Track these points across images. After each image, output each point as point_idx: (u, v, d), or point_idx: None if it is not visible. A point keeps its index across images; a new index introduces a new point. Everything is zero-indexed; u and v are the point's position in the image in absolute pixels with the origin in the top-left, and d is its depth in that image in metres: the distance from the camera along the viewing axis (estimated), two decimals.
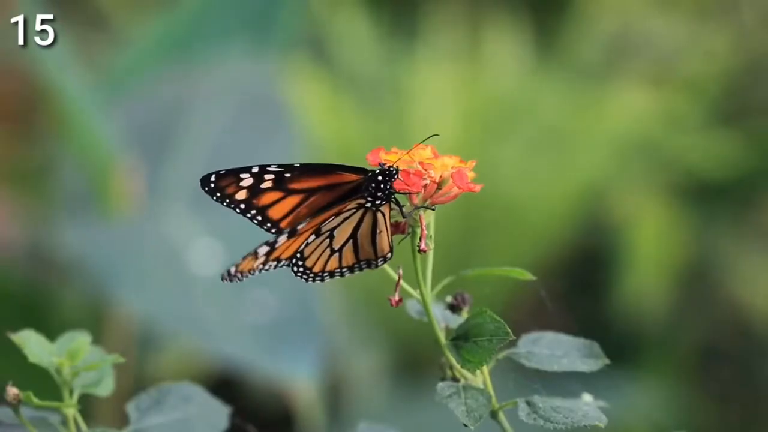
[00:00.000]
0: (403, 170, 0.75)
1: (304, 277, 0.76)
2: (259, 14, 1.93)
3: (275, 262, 0.76)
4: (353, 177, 0.76)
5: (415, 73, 2.18)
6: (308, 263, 0.76)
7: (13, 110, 2.25)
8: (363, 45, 2.26)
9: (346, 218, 0.75)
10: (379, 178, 0.75)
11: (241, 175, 0.76)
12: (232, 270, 0.76)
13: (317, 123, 2.07)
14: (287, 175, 0.76)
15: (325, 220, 0.75)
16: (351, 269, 0.76)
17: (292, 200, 0.77)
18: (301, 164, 0.76)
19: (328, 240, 0.75)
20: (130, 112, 1.83)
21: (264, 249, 0.75)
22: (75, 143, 1.76)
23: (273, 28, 1.93)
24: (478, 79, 2.20)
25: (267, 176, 0.76)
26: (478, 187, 0.74)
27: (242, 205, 0.77)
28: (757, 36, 2.41)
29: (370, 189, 0.75)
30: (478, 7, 2.39)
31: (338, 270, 0.76)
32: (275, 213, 0.77)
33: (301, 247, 0.75)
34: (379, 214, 0.75)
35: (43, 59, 1.73)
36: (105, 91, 1.84)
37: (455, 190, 0.75)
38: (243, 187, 0.76)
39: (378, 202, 0.75)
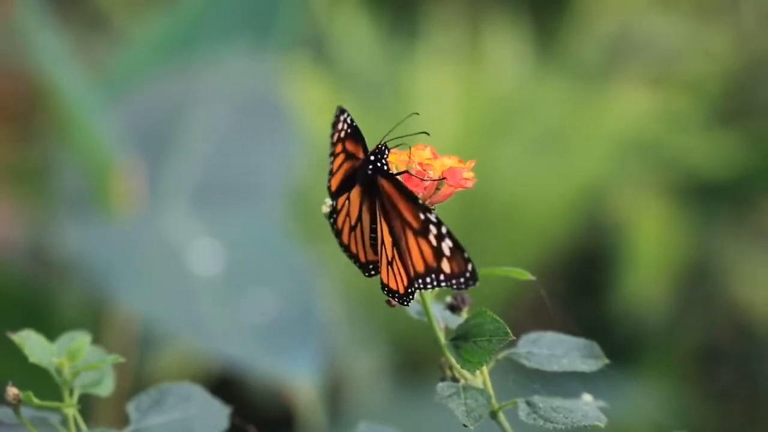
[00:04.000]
0: (405, 173, 0.75)
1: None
2: (259, 14, 1.93)
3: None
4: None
5: (415, 73, 2.18)
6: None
7: (13, 110, 2.25)
8: (363, 45, 2.26)
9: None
10: (372, 158, 0.75)
11: (342, 117, 0.78)
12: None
13: (317, 123, 2.07)
14: (349, 130, 0.78)
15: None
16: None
17: (340, 159, 0.78)
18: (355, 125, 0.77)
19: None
20: (130, 111, 1.83)
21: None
22: (75, 143, 1.76)
23: (273, 28, 1.93)
24: (478, 80, 2.20)
25: (345, 125, 0.78)
26: (470, 183, 0.74)
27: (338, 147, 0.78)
28: (757, 36, 2.41)
29: (368, 171, 0.75)
30: (478, 7, 2.39)
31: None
32: (334, 166, 0.78)
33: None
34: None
35: (43, 60, 1.73)
36: (105, 91, 1.84)
37: (449, 189, 0.75)
38: (341, 130, 0.78)
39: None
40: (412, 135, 0.77)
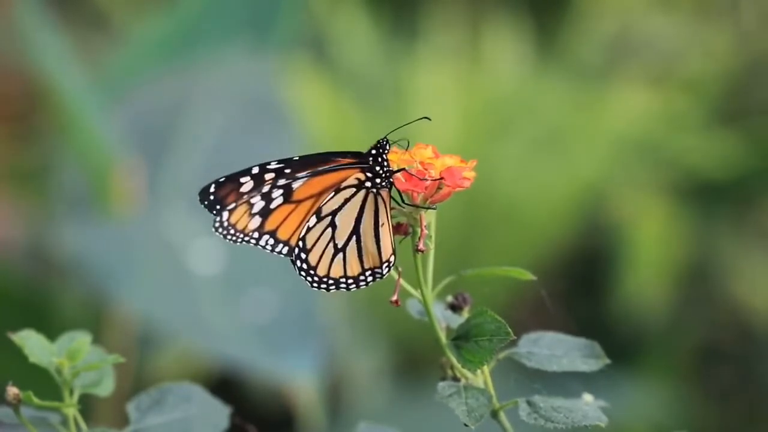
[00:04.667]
0: (405, 171, 0.75)
1: (309, 278, 0.74)
2: (259, 14, 1.93)
3: (271, 239, 0.74)
4: (352, 160, 0.75)
5: (415, 73, 2.18)
6: (311, 259, 0.74)
7: (13, 110, 2.25)
8: (363, 45, 2.26)
9: (346, 199, 0.74)
10: (373, 151, 0.75)
11: (241, 180, 0.75)
12: (225, 219, 0.74)
13: (317, 123, 2.06)
14: (287, 170, 0.75)
15: (325, 191, 0.74)
16: (356, 281, 0.75)
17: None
18: (300, 157, 0.75)
19: (330, 230, 0.74)
20: (130, 111, 1.83)
21: (259, 203, 0.74)
22: (75, 143, 1.76)
23: (273, 28, 1.93)
24: (479, 79, 2.20)
25: (267, 176, 0.75)
26: (467, 183, 0.74)
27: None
28: (757, 36, 2.41)
29: (369, 162, 0.74)
30: (478, 7, 2.39)
31: (343, 279, 0.74)
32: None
33: (303, 233, 0.74)
34: (380, 200, 0.74)
35: (43, 60, 1.73)
36: (105, 91, 1.84)
37: (448, 188, 0.75)
38: (243, 194, 0.75)
39: (378, 180, 0.74)
40: (414, 121, 0.77)
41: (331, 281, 0.74)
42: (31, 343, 0.77)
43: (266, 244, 0.74)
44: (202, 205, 0.76)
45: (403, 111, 2.12)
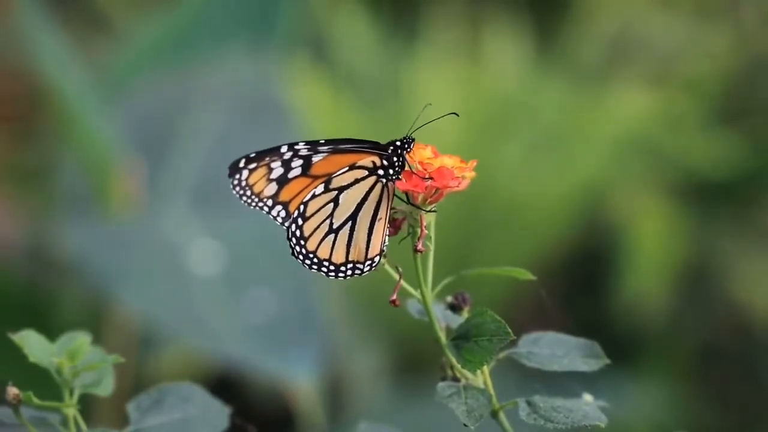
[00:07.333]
0: (406, 171, 0.75)
1: (297, 247, 0.75)
2: (259, 14, 1.93)
3: (283, 211, 0.75)
4: (373, 147, 0.77)
5: (415, 73, 2.18)
6: (306, 229, 0.75)
7: (13, 110, 2.25)
8: (363, 45, 2.26)
9: (357, 179, 0.75)
10: (398, 143, 0.76)
11: (270, 157, 0.76)
12: (244, 178, 0.75)
13: (317, 123, 2.06)
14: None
15: (340, 169, 0.75)
16: (336, 270, 0.75)
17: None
18: (325, 140, 0.77)
19: (332, 205, 0.75)
20: (130, 112, 1.83)
21: (278, 169, 0.75)
22: (75, 143, 1.76)
23: (273, 28, 1.93)
24: (479, 79, 2.20)
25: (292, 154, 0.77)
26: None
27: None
28: (757, 36, 2.41)
29: (388, 152, 0.75)
30: (478, 7, 2.39)
31: (326, 262, 0.75)
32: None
33: (307, 197, 0.75)
34: (385, 193, 0.75)
35: (43, 60, 1.73)
36: (105, 91, 1.84)
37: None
38: (265, 158, 0.77)
39: (391, 171, 0.75)
40: (442, 117, 0.78)
41: (315, 259, 0.75)
42: (31, 343, 0.77)
43: (277, 214, 0.76)
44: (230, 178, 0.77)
45: (403, 111, 2.12)
